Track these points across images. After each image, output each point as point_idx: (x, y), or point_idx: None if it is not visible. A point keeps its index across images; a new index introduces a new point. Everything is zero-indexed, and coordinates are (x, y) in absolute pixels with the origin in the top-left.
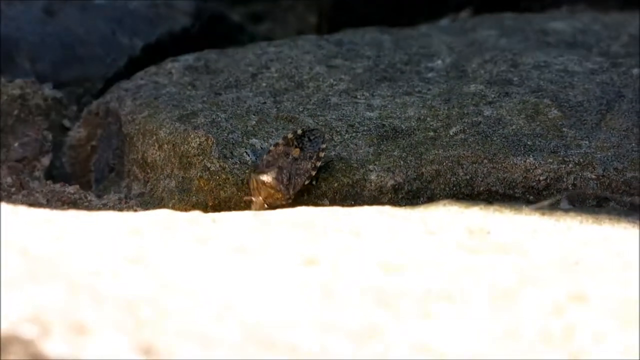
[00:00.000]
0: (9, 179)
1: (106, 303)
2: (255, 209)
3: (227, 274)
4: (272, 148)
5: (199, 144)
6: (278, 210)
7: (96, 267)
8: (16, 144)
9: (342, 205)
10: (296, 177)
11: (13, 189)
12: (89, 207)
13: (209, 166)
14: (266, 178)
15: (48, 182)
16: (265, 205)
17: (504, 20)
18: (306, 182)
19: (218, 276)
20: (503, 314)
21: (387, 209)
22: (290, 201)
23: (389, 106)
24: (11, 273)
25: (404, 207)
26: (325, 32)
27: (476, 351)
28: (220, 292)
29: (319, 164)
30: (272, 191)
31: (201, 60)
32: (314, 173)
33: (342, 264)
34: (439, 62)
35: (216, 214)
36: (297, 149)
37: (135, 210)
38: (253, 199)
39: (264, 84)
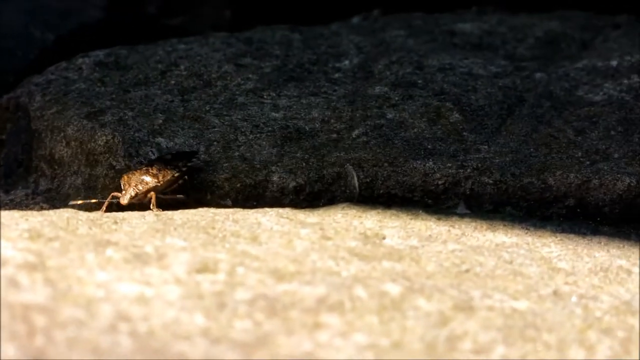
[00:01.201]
0: None
1: (2, 312)
2: (126, 201)
3: (123, 282)
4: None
5: (106, 142)
6: (180, 211)
7: None
8: None
9: (244, 207)
10: (165, 171)
11: None
12: None
13: (114, 164)
14: (135, 171)
15: None
16: (136, 192)
17: (413, 20)
18: (176, 174)
19: (114, 285)
20: (391, 325)
21: (287, 212)
22: (159, 185)
23: (295, 107)
24: None
25: (303, 210)
26: (239, 26)
27: None
28: (115, 301)
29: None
30: (141, 176)
31: (112, 56)
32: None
33: (237, 272)
34: (347, 62)
35: (120, 213)
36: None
37: (42, 208)
38: (123, 192)
39: (172, 82)
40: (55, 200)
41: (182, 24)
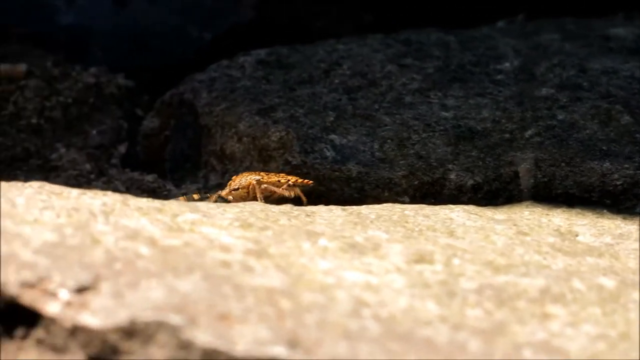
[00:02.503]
0: (87, 166)
1: (247, 294)
2: (225, 192)
3: (347, 270)
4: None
5: (280, 138)
6: (366, 206)
7: (223, 259)
8: (94, 132)
9: (423, 203)
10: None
11: (92, 175)
12: (168, 197)
13: (290, 160)
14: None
15: (126, 170)
16: (237, 186)
17: (565, 24)
18: (282, 180)
19: (339, 272)
20: (614, 317)
21: (473, 208)
22: (262, 180)
23: (463, 107)
24: (146, 263)
25: (487, 207)
26: (380, 29)
27: (596, 353)
28: (347, 288)
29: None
30: (248, 175)
31: (273, 55)
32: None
33: (453, 263)
34: (507, 64)
35: (307, 207)
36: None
37: (216, 202)
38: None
39: (337, 81)
40: None
41: (324, 25)
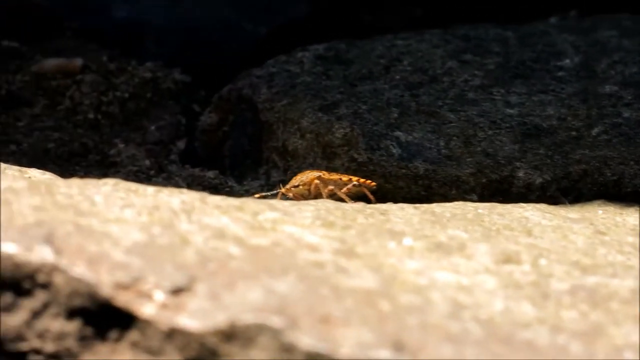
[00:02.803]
0: (147, 162)
1: (345, 296)
2: (285, 188)
3: (437, 270)
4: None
5: (344, 135)
6: (437, 204)
7: (315, 259)
8: (153, 127)
9: (490, 202)
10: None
11: (152, 172)
12: (231, 193)
13: (356, 157)
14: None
15: (186, 166)
16: (298, 183)
17: (621, 21)
18: (344, 179)
19: (430, 273)
20: None
21: (545, 207)
22: (323, 177)
23: (527, 104)
24: (240, 263)
25: (559, 206)
26: (430, 24)
27: None
28: (441, 289)
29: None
30: (310, 172)
31: (331, 50)
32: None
33: (540, 264)
34: (567, 60)
35: (378, 205)
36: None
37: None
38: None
39: (397, 77)
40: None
41: (374, 20)
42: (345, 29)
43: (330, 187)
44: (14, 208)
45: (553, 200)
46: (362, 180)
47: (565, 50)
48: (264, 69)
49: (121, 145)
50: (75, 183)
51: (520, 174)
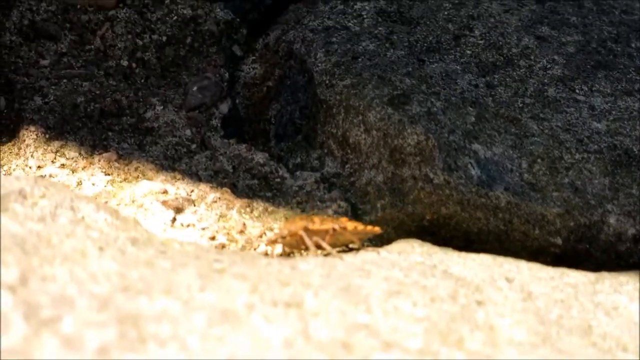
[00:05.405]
0: (188, 132)
1: None
2: (271, 238)
3: None
4: None
5: (417, 143)
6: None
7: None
8: (195, 88)
9: (575, 248)
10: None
11: (194, 146)
12: (282, 187)
13: (432, 177)
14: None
15: (231, 141)
16: (286, 232)
17: None
18: (335, 228)
19: None
20: None
21: None
22: (311, 226)
23: (614, 112)
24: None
25: None
26: None
27: None
28: None
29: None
30: (300, 221)
31: (393, 4)
32: None
33: None
34: None
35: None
36: None
37: (339, 207)
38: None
39: (468, 52)
40: (348, 192)
41: None
42: None
43: (315, 238)
44: None
45: None
46: (361, 227)
47: None
48: (318, 19)
49: (159, 108)
50: None
51: (612, 220)
